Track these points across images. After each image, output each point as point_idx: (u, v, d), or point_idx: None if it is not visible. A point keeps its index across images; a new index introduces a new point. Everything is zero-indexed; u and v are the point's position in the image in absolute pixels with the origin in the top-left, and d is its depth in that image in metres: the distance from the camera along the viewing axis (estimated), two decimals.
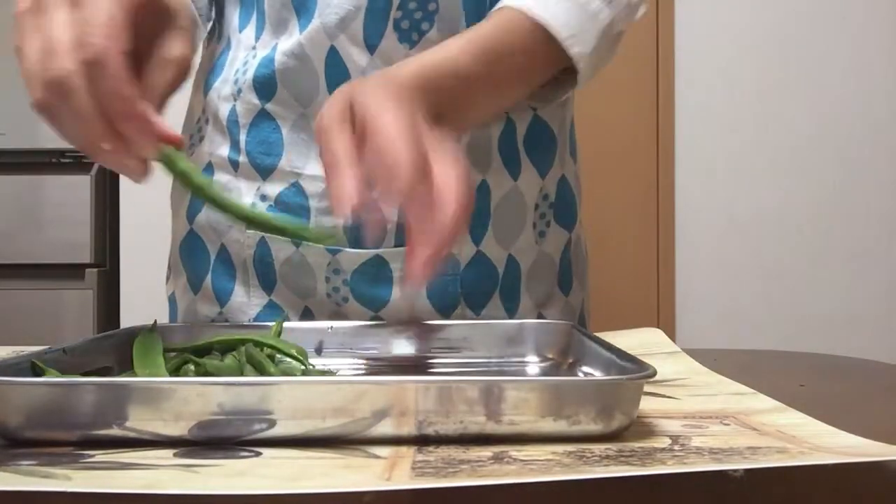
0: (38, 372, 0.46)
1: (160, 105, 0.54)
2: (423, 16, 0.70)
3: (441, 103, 0.59)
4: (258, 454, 0.38)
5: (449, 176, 0.51)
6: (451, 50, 0.62)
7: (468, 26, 0.71)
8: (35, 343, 0.61)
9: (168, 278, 0.85)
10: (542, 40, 0.64)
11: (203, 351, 0.56)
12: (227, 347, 0.56)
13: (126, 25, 0.50)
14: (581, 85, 0.68)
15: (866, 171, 2.55)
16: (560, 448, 0.38)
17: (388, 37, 0.70)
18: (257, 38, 0.74)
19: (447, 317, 0.74)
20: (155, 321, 0.60)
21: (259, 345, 0.55)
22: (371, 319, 0.72)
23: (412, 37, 0.70)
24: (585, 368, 0.54)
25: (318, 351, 0.62)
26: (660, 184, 2.55)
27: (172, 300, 0.83)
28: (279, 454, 0.37)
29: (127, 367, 0.53)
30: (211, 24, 0.81)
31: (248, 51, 0.75)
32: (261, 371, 0.51)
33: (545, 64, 0.67)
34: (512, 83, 0.65)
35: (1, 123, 2.45)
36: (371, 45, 0.70)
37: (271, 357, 0.54)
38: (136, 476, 0.34)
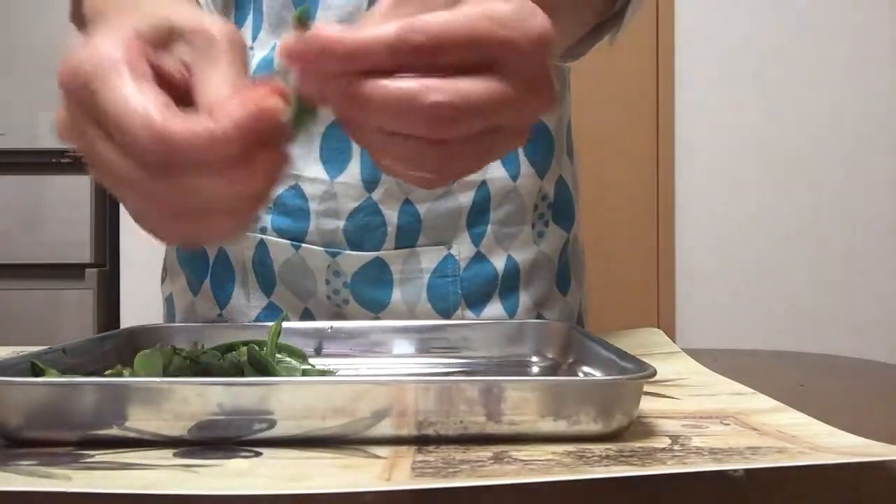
0: (37, 372, 0.46)
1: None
2: None
3: None
4: (258, 454, 0.38)
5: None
6: None
7: None
8: (35, 343, 0.61)
9: (164, 279, 0.85)
10: None
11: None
12: (228, 347, 0.56)
13: (148, 64, 0.40)
14: (621, 32, 0.69)
15: (866, 171, 2.55)
16: (560, 448, 0.38)
17: None
18: (254, 38, 0.74)
19: (447, 317, 0.74)
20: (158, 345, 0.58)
21: (259, 345, 0.55)
22: (372, 321, 0.72)
23: None
24: (585, 368, 0.54)
25: (318, 351, 0.62)
26: (660, 184, 2.55)
27: (170, 301, 0.83)
28: (279, 454, 0.37)
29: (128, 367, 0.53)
30: None
31: None
32: (262, 371, 0.51)
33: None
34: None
35: (1, 123, 2.45)
36: None
37: (272, 357, 0.54)
38: (136, 476, 0.34)
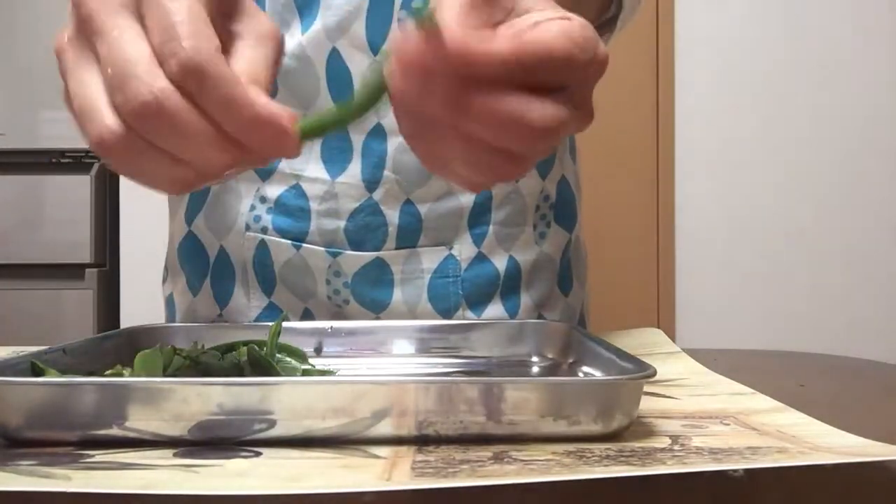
0: (38, 372, 0.46)
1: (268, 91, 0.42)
2: None
3: None
4: (258, 454, 0.38)
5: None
6: None
7: None
8: (35, 343, 0.61)
9: (165, 279, 0.85)
10: None
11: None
12: (228, 347, 0.56)
13: (210, 18, 0.39)
14: (613, 38, 0.68)
15: (866, 171, 2.55)
16: (560, 448, 0.38)
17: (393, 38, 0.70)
18: None
19: (448, 317, 0.74)
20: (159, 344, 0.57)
21: (259, 345, 0.55)
22: (372, 321, 0.72)
23: None
24: (585, 368, 0.54)
25: (318, 351, 0.62)
26: (660, 184, 2.55)
27: (170, 301, 0.83)
28: (279, 454, 0.37)
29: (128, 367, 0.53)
30: None
31: None
32: (262, 371, 0.51)
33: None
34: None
35: (1, 123, 2.45)
36: (375, 47, 0.70)
37: (272, 357, 0.54)
38: (135, 476, 0.34)
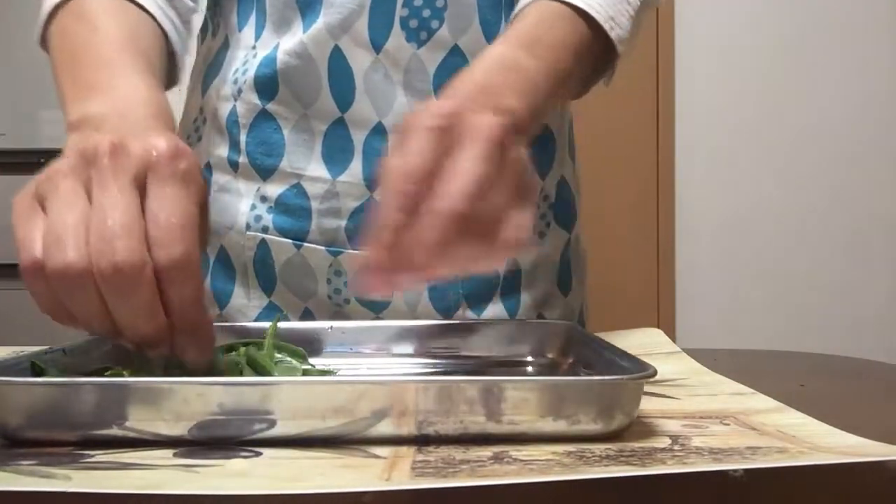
0: (38, 372, 0.46)
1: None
2: (431, 13, 0.70)
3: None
4: (258, 454, 0.38)
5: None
6: (510, 49, 0.58)
7: (481, 22, 0.71)
8: (35, 343, 0.61)
9: None
10: (583, 28, 0.62)
11: None
12: (228, 347, 0.55)
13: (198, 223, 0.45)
14: (615, 69, 0.67)
15: (866, 171, 2.55)
16: (560, 448, 0.38)
17: (395, 36, 0.70)
18: (257, 38, 0.74)
19: (448, 317, 0.74)
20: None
21: (259, 346, 0.55)
22: (372, 320, 0.72)
23: (420, 35, 0.70)
24: (585, 368, 0.54)
25: (318, 351, 0.62)
26: (660, 184, 2.55)
27: None
28: (279, 454, 0.37)
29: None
30: (203, 19, 0.81)
31: (247, 50, 0.74)
32: (261, 373, 0.51)
33: (589, 52, 0.64)
34: (568, 75, 0.62)
35: (1, 123, 2.45)
36: (377, 45, 0.70)
37: (271, 358, 0.54)
38: (136, 476, 0.34)
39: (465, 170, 0.46)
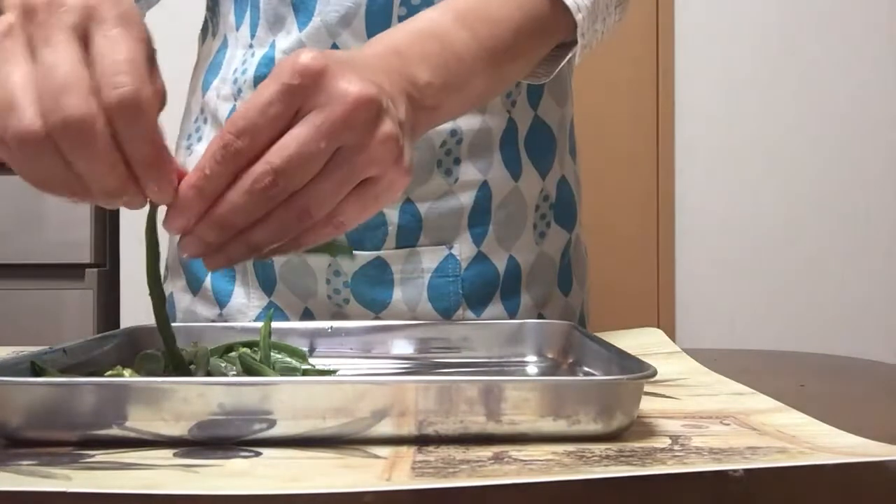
0: (38, 372, 0.46)
1: None
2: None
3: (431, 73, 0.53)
4: (258, 454, 0.38)
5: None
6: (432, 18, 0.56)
7: None
8: (35, 343, 0.61)
9: (165, 279, 0.85)
10: (535, 3, 0.60)
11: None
12: (228, 347, 0.56)
13: (149, 65, 0.44)
14: (580, 57, 0.64)
15: (866, 171, 2.55)
16: (560, 448, 0.38)
17: None
18: (252, 36, 0.74)
19: (448, 317, 0.74)
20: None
21: (254, 345, 0.55)
22: (372, 320, 0.72)
23: None
24: (585, 368, 0.54)
25: (318, 351, 0.62)
26: (660, 184, 2.55)
27: (170, 300, 0.83)
28: (279, 454, 0.37)
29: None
30: (203, 19, 0.81)
31: (245, 49, 0.75)
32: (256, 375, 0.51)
33: (543, 29, 0.62)
34: (507, 51, 0.59)
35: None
36: None
37: (267, 358, 0.54)
38: (136, 476, 0.34)
39: (290, 140, 0.44)
